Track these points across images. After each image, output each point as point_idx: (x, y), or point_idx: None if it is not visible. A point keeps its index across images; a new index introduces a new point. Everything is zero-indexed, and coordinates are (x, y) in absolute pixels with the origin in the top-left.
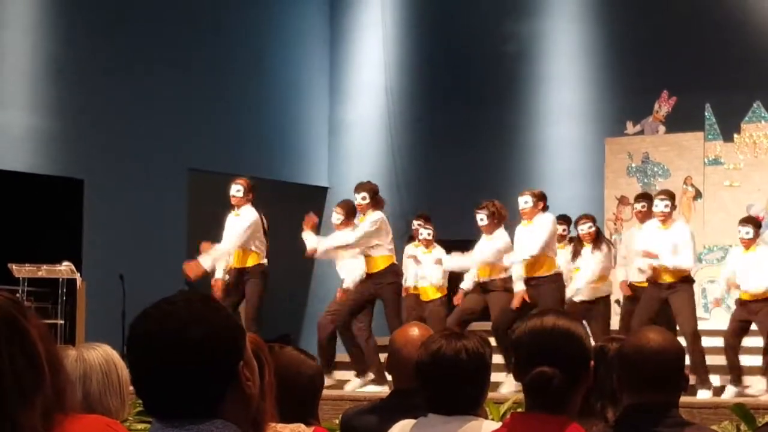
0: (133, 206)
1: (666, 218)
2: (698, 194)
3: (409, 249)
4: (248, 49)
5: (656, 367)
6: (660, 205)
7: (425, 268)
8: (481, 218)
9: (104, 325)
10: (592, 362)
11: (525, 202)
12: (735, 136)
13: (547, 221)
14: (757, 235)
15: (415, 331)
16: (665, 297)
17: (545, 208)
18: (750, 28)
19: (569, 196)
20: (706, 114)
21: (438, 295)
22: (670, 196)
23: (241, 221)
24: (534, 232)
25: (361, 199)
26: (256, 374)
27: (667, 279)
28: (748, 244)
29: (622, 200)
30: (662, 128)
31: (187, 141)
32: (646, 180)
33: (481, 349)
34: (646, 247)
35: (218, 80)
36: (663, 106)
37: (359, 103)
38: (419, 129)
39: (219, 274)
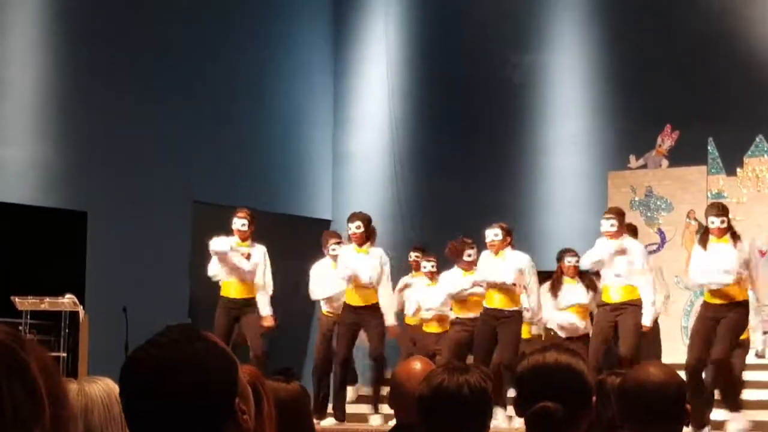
0: (136, 239)
1: (613, 236)
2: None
3: (407, 280)
4: (253, 81)
5: (658, 400)
6: (605, 225)
7: (429, 302)
8: (496, 233)
9: (107, 358)
10: (594, 397)
11: (495, 234)
12: (738, 170)
13: (529, 262)
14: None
15: (417, 365)
16: (614, 320)
17: (511, 244)
18: (753, 62)
19: (571, 228)
20: (709, 148)
21: (445, 327)
22: (617, 213)
23: (261, 256)
24: (521, 270)
25: (355, 228)
26: (252, 406)
27: (616, 300)
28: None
29: None
30: (665, 162)
31: (190, 173)
32: (649, 214)
33: (483, 383)
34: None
35: (222, 112)
36: (666, 140)
37: (363, 134)
38: (423, 159)
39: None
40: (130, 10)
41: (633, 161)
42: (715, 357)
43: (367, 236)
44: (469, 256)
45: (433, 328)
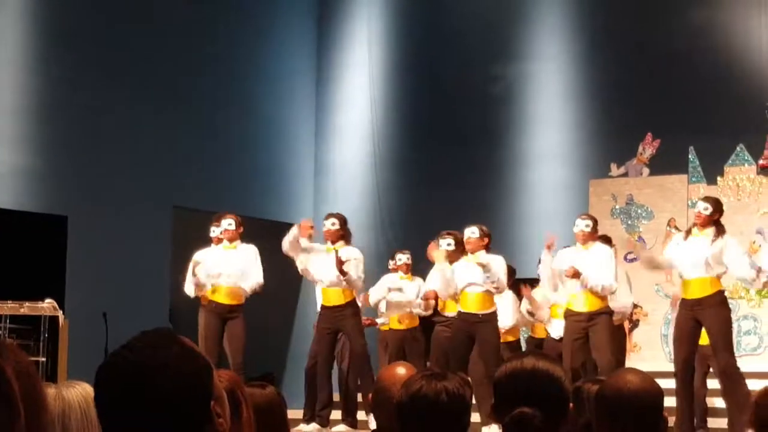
0: (116, 243)
1: (586, 238)
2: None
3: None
4: (235, 88)
5: (635, 408)
6: (581, 224)
7: (409, 296)
8: (473, 231)
9: (86, 363)
10: (571, 404)
11: (472, 232)
12: (718, 178)
13: (503, 264)
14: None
15: (401, 370)
16: (585, 329)
17: (488, 247)
18: (734, 71)
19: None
20: (689, 157)
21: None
22: (593, 218)
23: (248, 254)
24: (492, 269)
25: (330, 224)
26: (227, 410)
27: (586, 309)
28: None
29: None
30: (646, 170)
31: (172, 179)
32: (630, 222)
33: (461, 390)
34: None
35: (204, 118)
36: (647, 149)
37: (345, 142)
38: (405, 169)
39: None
40: (114, 15)
41: (614, 169)
42: (721, 367)
43: (342, 235)
44: None
45: (396, 325)
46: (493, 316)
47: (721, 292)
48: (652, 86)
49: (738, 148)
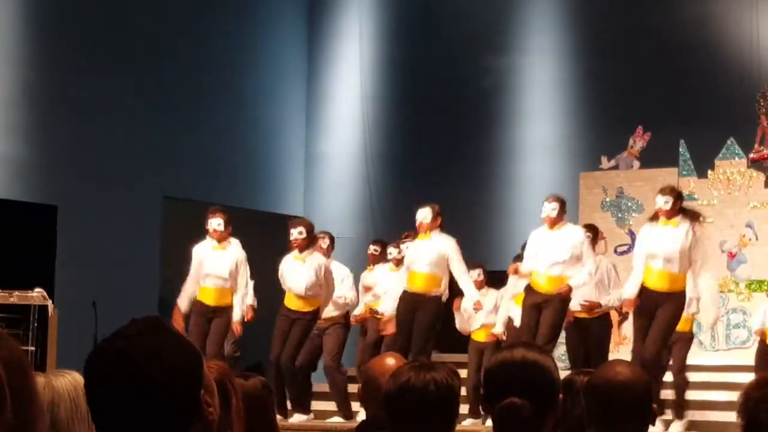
0: (106, 233)
1: (554, 221)
2: None
3: (366, 277)
4: (226, 79)
5: (625, 399)
6: (548, 209)
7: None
8: (425, 216)
9: (76, 352)
10: (561, 395)
11: (424, 217)
12: (709, 172)
13: (454, 246)
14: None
15: (390, 361)
16: (539, 305)
17: (441, 227)
18: (725, 65)
19: None
20: (680, 150)
21: None
22: (559, 200)
23: (236, 257)
24: (445, 252)
25: (298, 233)
26: (216, 399)
27: (544, 289)
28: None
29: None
30: (637, 163)
31: (162, 169)
32: (620, 215)
33: (450, 381)
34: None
35: (195, 110)
36: (638, 142)
37: (336, 135)
38: (395, 161)
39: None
40: (104, 7)
41: (604, 162)
42: (647, 357)
43: (309, 243)
44: None
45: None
46: (436, 298)
47: (684, 290)
48: (643, 79)
49: (728, 142)
